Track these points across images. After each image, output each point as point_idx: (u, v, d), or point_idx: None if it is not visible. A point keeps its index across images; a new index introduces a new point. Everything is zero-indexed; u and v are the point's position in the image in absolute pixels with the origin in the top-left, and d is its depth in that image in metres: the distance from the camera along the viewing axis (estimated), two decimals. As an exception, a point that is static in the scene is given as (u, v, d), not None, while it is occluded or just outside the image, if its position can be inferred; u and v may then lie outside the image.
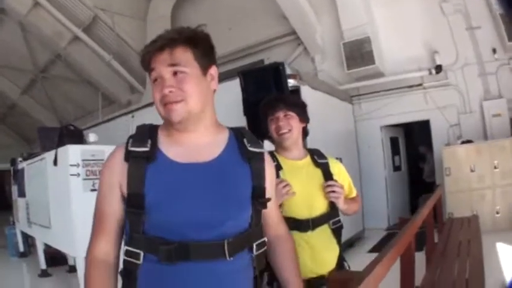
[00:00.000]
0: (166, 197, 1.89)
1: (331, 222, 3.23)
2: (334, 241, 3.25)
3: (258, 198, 2.08)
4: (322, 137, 7.77)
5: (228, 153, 2.06)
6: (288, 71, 8.10)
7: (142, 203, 1.89)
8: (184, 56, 1.96)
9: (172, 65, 1.93)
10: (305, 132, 3.44)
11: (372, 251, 9.39)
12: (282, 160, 3.25)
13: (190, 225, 1.88)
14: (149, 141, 1.99)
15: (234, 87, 8.20)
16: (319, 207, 3.18)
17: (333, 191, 3.12)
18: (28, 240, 12.02)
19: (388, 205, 12.40)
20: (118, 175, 1.99)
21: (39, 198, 8.55)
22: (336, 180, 3.24)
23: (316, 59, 13.08)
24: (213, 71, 2.08)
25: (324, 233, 3.19)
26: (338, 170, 3.42)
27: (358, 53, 11.58)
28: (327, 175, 3.27)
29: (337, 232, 3.27)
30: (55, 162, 7.88)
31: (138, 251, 1.93)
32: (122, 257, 2.03)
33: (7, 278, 9.84)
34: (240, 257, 1.98)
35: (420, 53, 11.64)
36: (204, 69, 2.02)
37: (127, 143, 2.03)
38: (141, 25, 16.55)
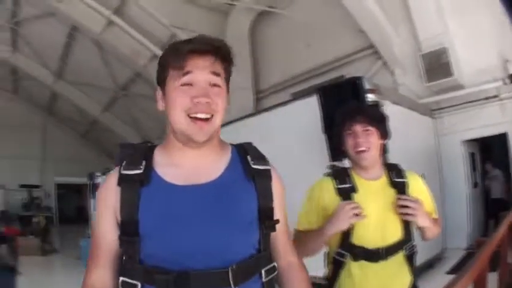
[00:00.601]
0: (162, 223, 1.80)
1: (405, 248, 2.91)
2: (406, 269, 2.94)
3: (266, 220, 1.94)
4: (404, 155, 7.38)
5: (230, 172, 1.95)
6: (367, 86, 7.91)
7: (136, 230, 1.80)
8: (222, 70, 1.88)
9: (215, 73, 1.85)
10: (384, 150, 3.07)
11: (450, 272, 9.09)
12: (357, 180, 2.97)
13: (190, 253, 1.77)
14: (143, 163, 1.90)
15: (313, 103, 8.15)
16: (394, 233, 2.88)
17: (407, 207, 2.77)
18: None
19: (469, 223, 11.91)
20: (111, 201, 1.89)
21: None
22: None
23: (396, 73, 12.81)
24: (228, 95, 1.98)
25: (396, 261, 2.88)
26: (418, 188, 3.07)
27: (437, 65, 11.30)
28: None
29: (410, 258, 2.96)
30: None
31: (134, 282, 1.83)
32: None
33: None
34: (248, 285, 1.85)
35: (493, 62, 11.19)
36: (227, 90, 1.95)
37: (120, 166, 1.94)
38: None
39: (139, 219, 1.80)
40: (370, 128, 2.91)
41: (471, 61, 11.33)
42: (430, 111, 12.07)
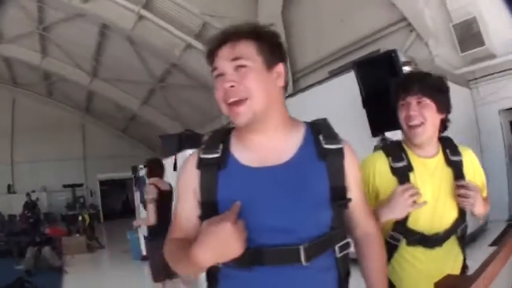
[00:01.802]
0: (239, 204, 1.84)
1: (459, 230, 2.75)
2: (459, 250, 2.81)
3: (337, 199, 1.96)
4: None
5: (302, 153, 1.96)
6: (402, 59, 7.85)
7: (216, 211, 1.87)
8: (247, 49, 1.90)
9: (235, 59, 1.88)
10: (444, 126, 2.80)
11: (493, 244, 9.03)
12: (412, 157, 2.73)
13: (264, 231, 1.84)
14: (221, 146, 1.99)
15: (351, 79, 8.17)
16: (451, 216, 2.71)
17: (466, 196, 2.58)
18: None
19: (510, 195, 11.60)
20: (192, 183, 1.99)
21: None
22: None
23: (430, 44, 12.64)
24: (280, 68, 1.99)
25: (450, 243, 2.73)
26: (472, 165, 2.86)
27: (468, 35, 11.18)
28: (459, 177, 2.70)
29: (462, 239, 2.82)
30: (174, 168, 8.06)
31: None
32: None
33: (130, 281, 10.54)
34: (320, 260, 1.90)
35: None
36: (269, 65, 1.93)
37: (199, 149, 2.04)
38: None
39: (218, 201, 1.89)
40: (425, 100, 2.63)
41: (501, 30, 11.23)
42: (467, 81, 11.95)
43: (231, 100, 1.86)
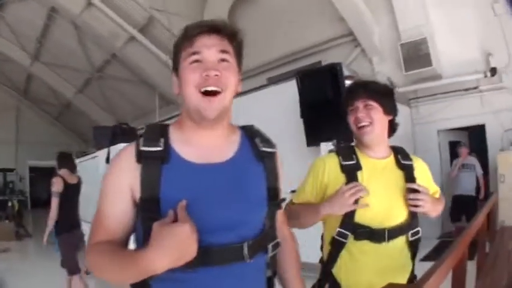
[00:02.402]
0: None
1: (409, 233, 2.85)
2: (408, 256, 2.89)
3: (273, 199, 2.04)
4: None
5: (241, 153, 2.00)
6: (346, 73, 7.94)
7: (158, 208, 1.77)
8: (230, 47, 1.92)
9: (223, 51, 1.88)
10: (392, 127, 2.93)
11: (424, 259, 9.12)
12: (362, 158, 2.84)
13: (211, 230, 1.79)
14: (162, 140, 1.89)
15: (291, 88, 8.18)
16: (399, 215, 2.79)
17: (416, 199, 2.69)
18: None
19: (442, 212, 11.87)
20: (128, 178, 1.85)
21: (90, 196, 8.58)
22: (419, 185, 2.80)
23: (374, 61, 12.89)
24: (240, 76, 2.03)
25: (399, 244, 2.81)
26: (423, 171, 3.02)
27: (416, 55, 11.39)
28: (410, 180, 2.83)
29: (414, 245, 2.91)
30: (107, 160, 7.87)
31: None
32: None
33: (53, 274, 9.95)
34: (257, 258, 1.92)
35: (475, 55, 11.32)
36: (238, 69, 1.98)
37: (137, 142, 1.90)
38: (198, 26, 16.52)
39: (161, 197, 1.79)
40: (371, 102, 2.78)
41: (452, 53, 11.45)
42: (408, 100, 12.23)
43: (211, 88, 1.83)
